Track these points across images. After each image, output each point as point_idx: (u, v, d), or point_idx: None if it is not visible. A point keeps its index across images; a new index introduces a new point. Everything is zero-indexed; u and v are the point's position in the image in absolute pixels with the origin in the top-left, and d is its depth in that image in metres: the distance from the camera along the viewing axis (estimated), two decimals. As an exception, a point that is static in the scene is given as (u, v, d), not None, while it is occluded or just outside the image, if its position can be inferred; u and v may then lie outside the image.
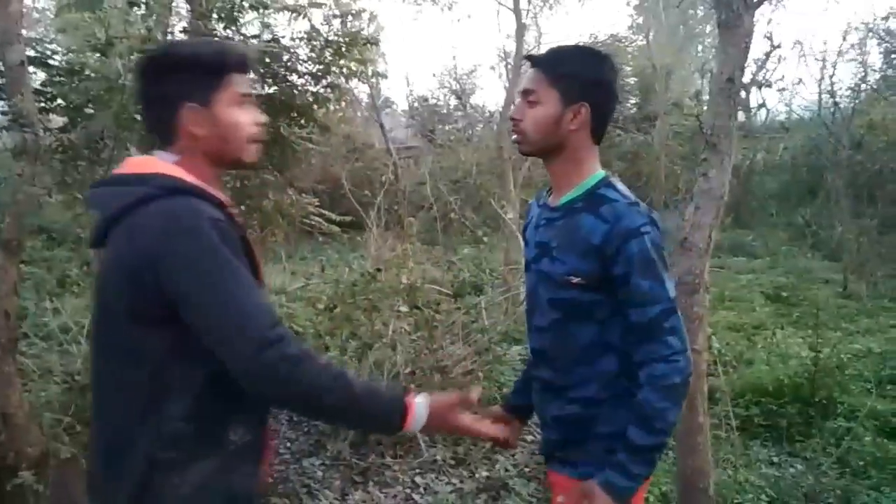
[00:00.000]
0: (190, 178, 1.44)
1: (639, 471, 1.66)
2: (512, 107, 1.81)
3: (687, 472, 2.87)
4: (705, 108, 3.97)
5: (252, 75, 1.57)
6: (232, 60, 1.51)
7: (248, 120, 1.53)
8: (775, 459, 3.92)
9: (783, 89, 12.62)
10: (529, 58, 1.82)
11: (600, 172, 1.78)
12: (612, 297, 1.69)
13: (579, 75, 1.73)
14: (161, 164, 1.47)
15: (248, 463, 1.48)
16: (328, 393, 1.36)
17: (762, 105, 15.28)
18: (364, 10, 11.84)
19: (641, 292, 1.64)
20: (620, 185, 1.77)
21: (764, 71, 12.51)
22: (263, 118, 1.57)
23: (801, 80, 17.69)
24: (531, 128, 1.75)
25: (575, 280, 1.70)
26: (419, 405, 1.45)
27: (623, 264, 1.64)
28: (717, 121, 2.70)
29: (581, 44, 1.91)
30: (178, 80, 1.47)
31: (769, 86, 11.86)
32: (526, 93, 1.77)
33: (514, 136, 1.82)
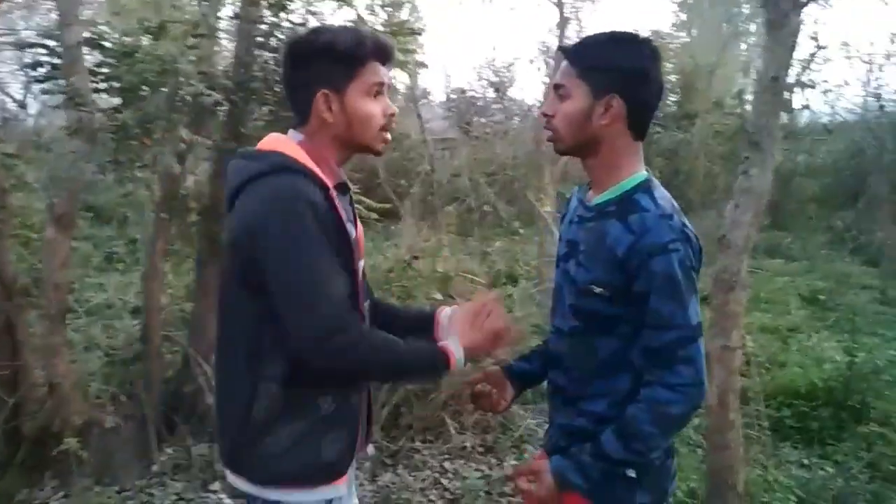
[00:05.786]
0: (303, 159, 1.50)
1: (596, 476, 1.57)
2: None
3: (716, 468, 2.89)
4: (748, 107, 3.95)
5: (390, 65, 1.61)
6: (369, 50, 1.54)
7: (379, 110, 1.57)
8: (805, 461, 3.91)
9: (828, 91, 12.37)
10: (561, 48, 1.71)
11: (641, 174, 1.64)
12: (635, 312, 1.57)
13: (609, 65, 1.59)
14: (284, 142, 1.55)
15: (336, 431, 1.56)
16: (380, 368, 1.53)
17: (805, 106, 14.95)
18: (406, 1, 11.89)
19: (659, 315, 1.52)
20: (660, 191, 1.62)
21: (808, 72, 12.22)
22: (395, 109, 1.61)
23: (846, 82, 17.33)
24: (562, 123, 1.63)
25: (597, 290, 1.59)
26: (455, 348, 1.55)
27: (644, 282, 1.52)
28: (761, 119, 2.71)
29: (616, 30, 1.71)
30: (315, 66, 1.53)
31: (813, 87, 11.60)
32: (556, 87, 1.65)
33: (548, 134, 1.70)
